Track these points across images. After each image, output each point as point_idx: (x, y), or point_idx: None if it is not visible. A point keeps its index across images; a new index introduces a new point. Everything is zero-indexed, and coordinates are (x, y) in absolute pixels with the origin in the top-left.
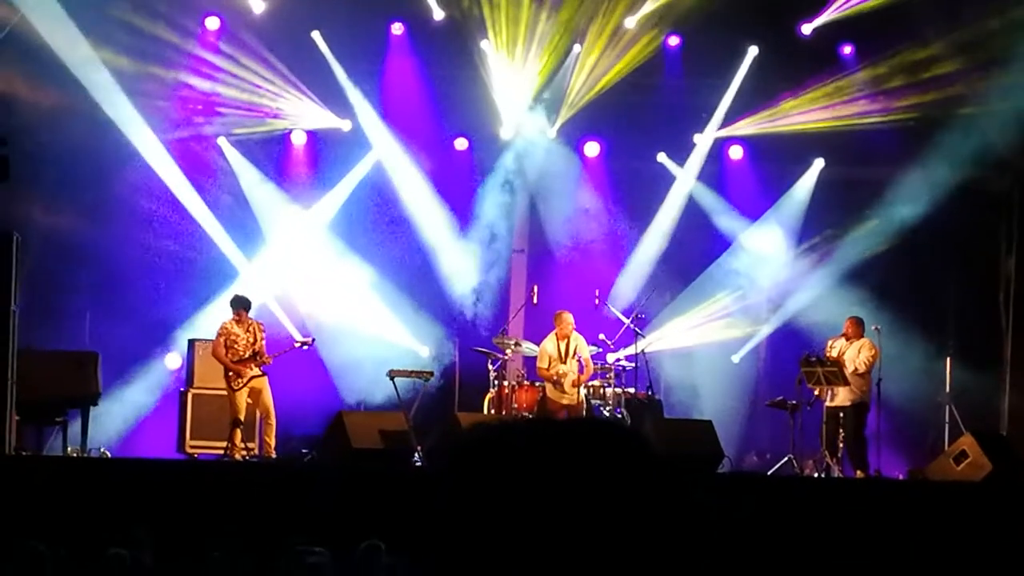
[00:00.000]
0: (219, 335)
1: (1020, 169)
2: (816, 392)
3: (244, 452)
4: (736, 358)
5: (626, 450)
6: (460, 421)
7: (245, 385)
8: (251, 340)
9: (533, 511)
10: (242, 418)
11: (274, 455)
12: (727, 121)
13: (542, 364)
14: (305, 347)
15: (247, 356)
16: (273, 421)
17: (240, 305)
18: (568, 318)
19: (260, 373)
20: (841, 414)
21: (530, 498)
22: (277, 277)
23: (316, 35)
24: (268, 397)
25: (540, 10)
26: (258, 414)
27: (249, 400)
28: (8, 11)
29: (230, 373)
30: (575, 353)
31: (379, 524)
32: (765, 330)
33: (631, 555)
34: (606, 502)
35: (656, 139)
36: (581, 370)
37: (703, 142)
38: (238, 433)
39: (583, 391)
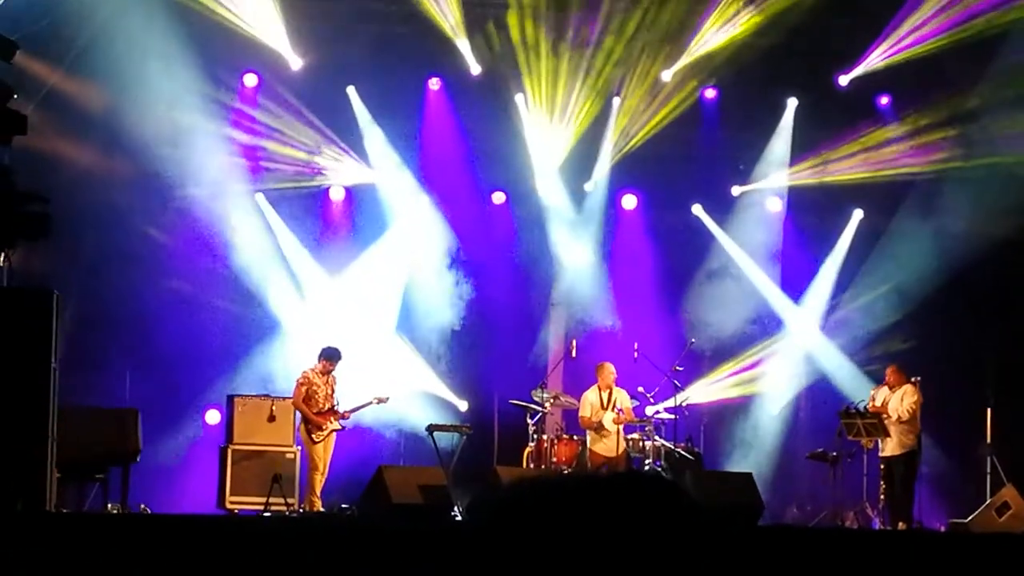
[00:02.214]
0: (301, 384)
1: None
2: (862, 443)
3: (285, 507)
4: (775, 410)
5: (667, 502)
6: (500, 475)
7: (324, 438)
8: (329, 392)
9: (574, 565)
10: (321, 471)
11: (320, 509)
12: (764, 173)
13: (584, 413)
14: (382, 403)
15: (326, 409)
16: (325, 474)
17: (328, 357)
18: (610, 368)
19: (340, 427)
20: (892, 464)
21: (571, 552)
22: (319, 332)
23: (351, 90)
24: (330, 452)
25: (577, 64)
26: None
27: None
28: (47, 71)
29: (310, 424)
30: (616, 405)
31: None
32: (802, 381)
33: None
34: (648, 555)
35: (693, 191)
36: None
37: (740, 193)
38: (318, 482)
39: (624, 443)
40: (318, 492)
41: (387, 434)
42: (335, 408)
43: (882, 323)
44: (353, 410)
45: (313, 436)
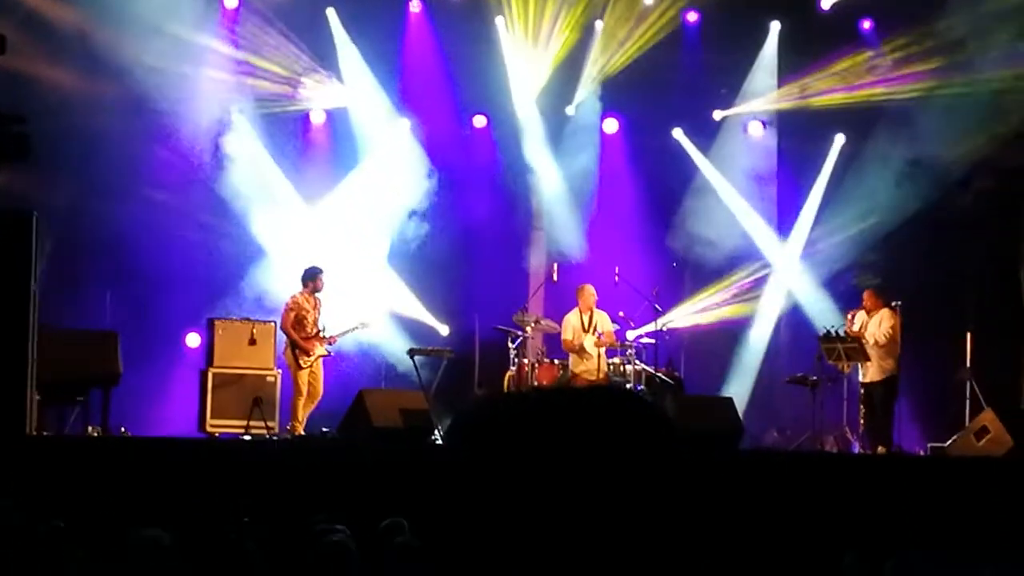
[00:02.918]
0: (289, 309)
1: None
2: (840, 368)
3: (266, 430)
4: (755, 334)
5: (640, 417)
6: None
7: (312, 363)
8: (316, 316)
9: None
10: (310, 396)
11: (302, 434)
12: (747, 97)
13: (566, 336)
14: (366, 328)
15: (313, 334)
16: (317, 399)
17: (311, 277)
18: (590, 290)
19: (327, 353)
20: (871, 389)
21: (545, 466)
22: (299, 257)
23: (331, 12)
24: (320, 376)
25: None
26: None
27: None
28: None
29: (297, 350)
30: (596, 328)
31: (401, 502)
32: (783, 306)
33: (644, 523)
34: (620, 469)
35: (675, 115)
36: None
37: (723, 118)
38: (301, 407)
39: (605, 366)
40: (301, 417)
41: (368, 358)
42: (321, 333)
43: (861, 248)
44: (340, 335)
45: (300, 361)
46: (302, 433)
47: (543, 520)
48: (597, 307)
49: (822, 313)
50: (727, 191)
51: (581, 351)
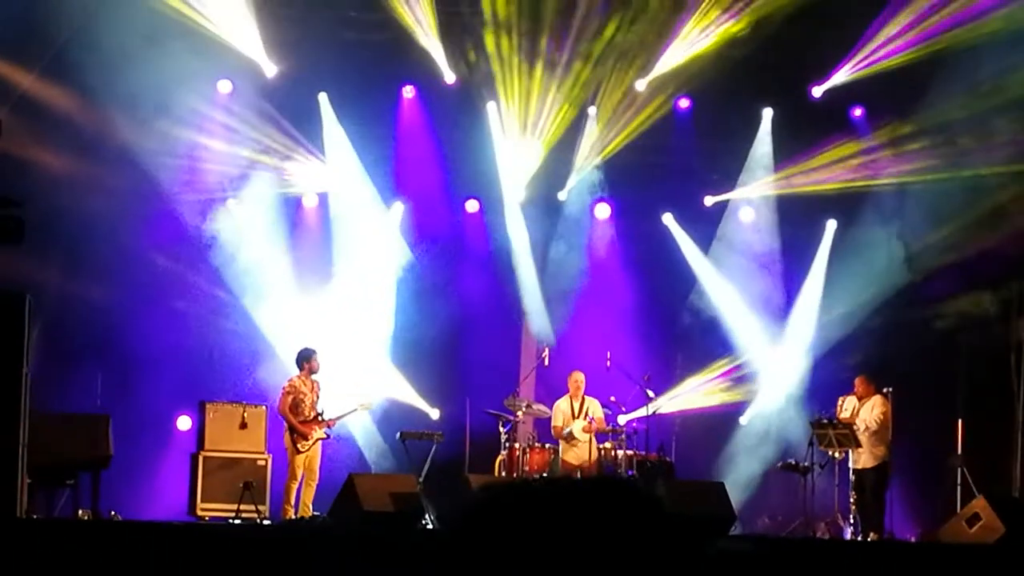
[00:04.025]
0: (287, 392)
1: None
2: (831, 453)
3: (256, 515)
4: (744, 420)
5: (636, 506)
6: (471, 483)
7: (311, 448)
8: (315, 399)
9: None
10: (308, 481)
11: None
12: (738, 183)
13: (556, 422)
14: (367, 409)
15: (311, 417)
16: (315, 482)
17: (305, 358)
18: (578, 377)
19: (325, 436)
20: (862, 475)
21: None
22: (293, 340)
23: (323, 97)
24: (318, 460)
25: (551, 73)
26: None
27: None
28: (19, 74)
29: (295, 434)
30: (587, 414)
31: None
32: (774, 391)
33: None
34: (617, 557)
35: (667, 200)
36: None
37: (714, 203)
38: (292, 491)
39: (596, 452)
40: (292, 501)
41: (358, 441)
42: (320, 416)
43: (850, 335)
44: (338, 418)
45: (299, 446)
46: (292, 517)
47: None
48: (589, 393)
49: (813, 399)
50: (717, 277)
51: (570, 437)
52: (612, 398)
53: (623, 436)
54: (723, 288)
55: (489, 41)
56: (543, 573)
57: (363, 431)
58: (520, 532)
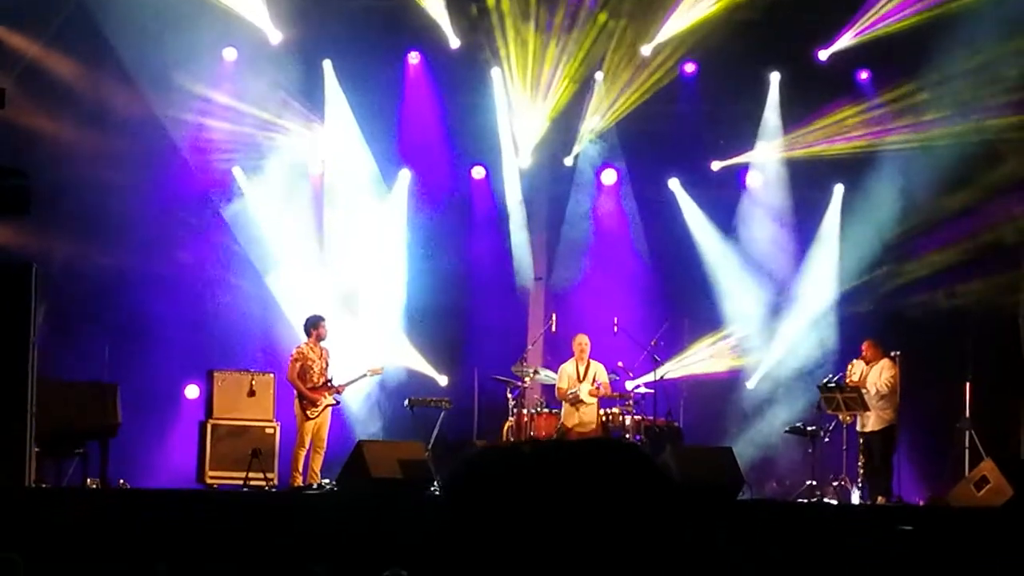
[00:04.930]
0: (295, 359)
1: None
2: (841, 418)
3: (264, 482)
4: (751, 384)
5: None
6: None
7: (319, 414)
8: (324, 366)
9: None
10: (317, 448)
11: (320, 482)
12: (745, 147)
13: (561, 384)
14: (377, 375)
15: (320, 384)
16: (323, 450)
17: (313, 325)
18: (582, 340)
19: (335, 403)
20: (870, 438)
21: (538, 515)
22: (301, 307)
23: (327, 64)
24: (327, 427)
25: (556, 39)
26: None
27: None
28: (25, 44)
29: (304, 400)
30: (594, 378)
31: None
32: (781, 356)
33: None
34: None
35: (673, 166)
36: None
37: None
38: (300, 458)
39: (601, 416)
40: (300, 468)
41: (367, 408)
42: (329, 382)
43: (861, 296)
44: (348, 384)
45: (308, 412)
46: (301, 484)
47: (540, 571)
48: (596, 358)
49: (821, 363)
50: (723, 242)
51: (576, 400)
52: (620, 363)
53: (630, 401)
54: (729, 253)
55: (493, 5)
56: (544, 533)
57: (371, 397)
58: (519, 494)
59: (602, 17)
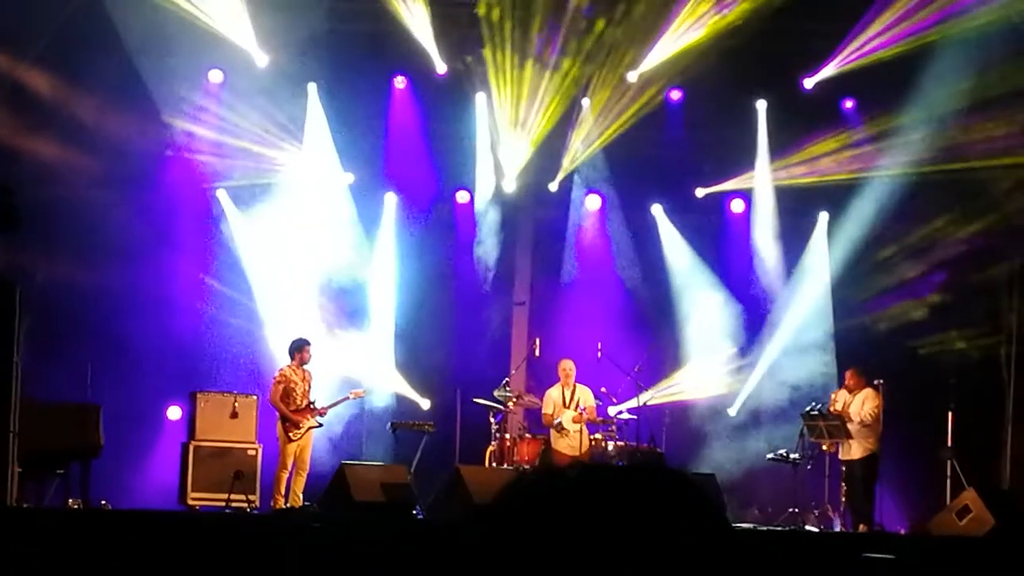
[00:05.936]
0: (278, 381)
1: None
2: (824, 446)
3: (246, 504)
4: (733, 411)
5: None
6: (462, 473)
7: (302, 436)
8: (307, 389)
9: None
10: (299, 470)
11: (302, 505)
12: (730, 175)
13: (547, 410)
14: (358, 398)
15: (303, 406)
16: (306, 472)
17: (298, 348)
18: (567, 365)
19: (317, 425)
20: (852, 467)
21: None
22: (284, 329)
23: (312, 87)
24: (309, 449)
25: (542, 65)
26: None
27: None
28: (10, 63)
29: (287, 423)
30: (578, 403)
31: None
32: (758, 383)
33: None
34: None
35: (657, 192)
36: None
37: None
38: (283, 480)
39: (588, 442)
40: (283, 490)
41: (349, 431)
42: (312, 405)
43: (844, 326)
44: (330, 406)
45: (290, 435)
46: (283, 506)
47: None
48: (580, 382)
49: (802, 391)
50: (707, 269)
51: (560, 427)
52: (603, 389)
53: (613, 427)
54: (713, 280)
55: (482, 30)
56: (585, 560)
57: (353, 421)
58: (555, 526)
59: (588, 42)
